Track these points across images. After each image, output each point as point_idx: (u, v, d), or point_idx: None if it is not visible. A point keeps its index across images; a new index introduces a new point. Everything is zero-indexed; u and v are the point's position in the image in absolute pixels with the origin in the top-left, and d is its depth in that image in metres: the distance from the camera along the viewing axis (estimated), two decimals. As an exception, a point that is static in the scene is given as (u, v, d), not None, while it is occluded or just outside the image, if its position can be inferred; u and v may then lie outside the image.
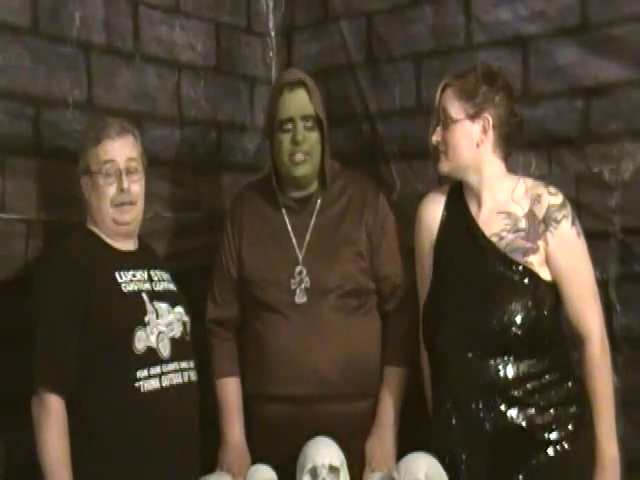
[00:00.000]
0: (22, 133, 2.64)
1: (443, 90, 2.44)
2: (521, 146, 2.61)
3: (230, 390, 2.70)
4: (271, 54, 3.49)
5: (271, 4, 3.48)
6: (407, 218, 2.82)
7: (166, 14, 3.09)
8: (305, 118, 2.62)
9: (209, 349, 2.73)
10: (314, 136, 2.63)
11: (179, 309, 2.53)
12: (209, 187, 3.24)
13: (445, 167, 2.45)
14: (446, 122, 2.41)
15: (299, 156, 2.62)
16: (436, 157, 2.47)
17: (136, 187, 2.49)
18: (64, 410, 2.32)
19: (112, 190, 2.45)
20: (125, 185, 2.45)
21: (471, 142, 2.40)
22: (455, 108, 2.40)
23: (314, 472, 2.37)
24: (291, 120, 2.61)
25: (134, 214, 2.50)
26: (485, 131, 2.40)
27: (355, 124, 3.26)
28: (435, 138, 2.44)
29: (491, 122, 2.39)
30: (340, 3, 3.31)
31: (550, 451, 2.31)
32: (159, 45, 3.06)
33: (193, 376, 2.50)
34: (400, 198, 3.08)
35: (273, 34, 3.49)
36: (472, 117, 2.39)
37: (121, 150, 2.47)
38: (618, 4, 2.73)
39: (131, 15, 2.97)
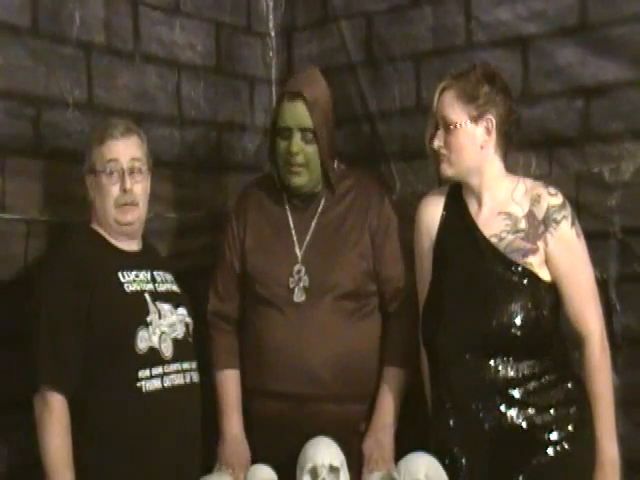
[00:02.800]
0: (22, 133, 2.64)
1: (441, 93, 2.42)
2: (521, 146, 2.61)
3: (228, 383, 2.69)
4: (271, 54, 3.49)
5: (271, 4, 3.48)
6: (407, 218, 2.83)
7: (166, 14, 3.09)
8: (303, 130, 2.61)
9: (209, 341, 2.72)
10: (312, 149, 2.61)
11: (182, 310, 2.53)
12: (209, 187, 3.24)
13: (448, 172, 2.43)
14: (448, 126, 2.39)
15: (295, 168, 2.62)
16: (437, 161, 2.45)
17: (139, 188, 2.48)
18: (67, 409, 2.31)
19: (115, 190, 2.45)
20: (128, 185, 2.45)
21: (475, 145, 2.39)
22: (457, 111, 2.38)
23: (314, 472, 2.37)
24: (289, 130, 2.61)
25: (136, 215, 2.50)
26: (489, 132, 2.39)
27: (355, 124, 3.26)
28: (437, 143, 2.41)
29: (494, 123, 2.38)
30: (340, 3, 3.31)
31: (550, 451, 2.31)
32: (159, 45, 3.07)
33: (195, 377, 2.51)
34: (400, 198, 3.07)
35: (273, 34, 3.49)
36: (475, 119, 2.38)
37: (125, 150, 2.47)
38: (618, 4, 2.73)
39: (131, 15, 2.97)
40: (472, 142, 2.39)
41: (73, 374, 2.33)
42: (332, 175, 2.67)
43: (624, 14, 2.72)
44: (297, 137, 2.60)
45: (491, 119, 2.38)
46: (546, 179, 2.53)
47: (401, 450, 2.48)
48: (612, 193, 2.74)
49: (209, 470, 2.53)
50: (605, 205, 2.73)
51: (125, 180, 2.45)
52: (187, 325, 2.53)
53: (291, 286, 2.62)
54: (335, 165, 2.73)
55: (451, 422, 2.37)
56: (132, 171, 2.46)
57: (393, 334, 2.67)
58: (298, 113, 2.60)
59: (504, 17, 2.93)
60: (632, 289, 2.70)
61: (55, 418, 2.30)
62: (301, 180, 2.64)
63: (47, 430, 2.29)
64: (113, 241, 2.50)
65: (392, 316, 2.68)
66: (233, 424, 2.66)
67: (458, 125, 2.38)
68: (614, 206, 2.73)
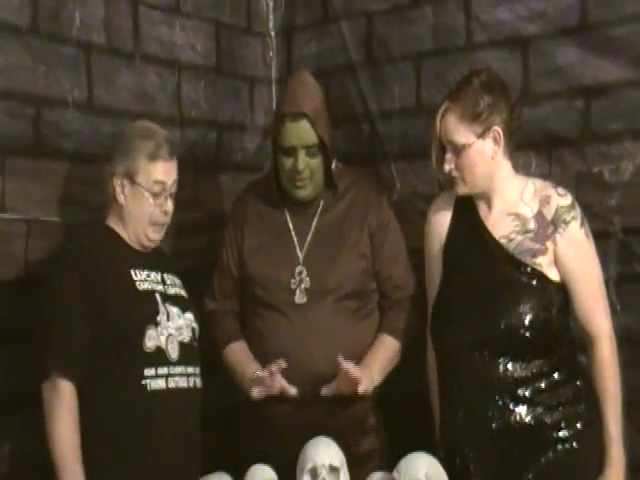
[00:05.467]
0: (22, 133, 2.64)
1: (443, 116, 2.38)
2: (521, 146, 2.60)
3: (238, 349, 2.69)
4: (271, 54, 3.49)
5: (271, 4, 3.48)
6: (407, 218, 2.83)
7: (166, 14, 3.09)
8: (307, 147, 2.61)
9: (211, 332, 2.72)
10: (316, 161, 2.63)
11: (189, 315, 2.54)
12: (209, 187, 3.24)
13: (464, 190, 2.42)
14: (457, 149, 2.37)
15: (300, 182, 2.63)
16: (450, 183, 2.43)
17: (172, 207, 2.52)
18: (76, 397, 2.32)
19: (155, 210, 2.48)
20: (169, 209, 2.49)
21: (486, 159, 2.38)
22: (463, 133, 2.36)
23: (314, 472, 2.37)
24: (293, 148, 2.61)
25: (164, 233, 2.55)
26: (497, 142, 2.37)
27: (355, 124, 3.25)
28: (448, 167, 2.39)
29: (501, 132, 2.36)
30: (340, 3, 3.31)
31: (559, 449, 2.31)
32: (159, 45, 3.06)
33: (198, 383, 2.51)
34: (400, 198, 3.08)
35: (273, 34, 3.49)
36: (482, 135, 2.36)
37: (171, 173, 2.50)
38: (618, 4, 2.73)
39: (131, 15, 2.97)
40: (483, 157, 2.38)
41: (84, 363, 2.33)
42: (335, 175, 2.69)
43: (624, 14, 2.72)
44: (302, 154, 2.61)
45: (497, 130, 2.36)
46: (546, 179, 2.53)
47: (401, 450, 2.48)
48: (612, 193, 2.74)
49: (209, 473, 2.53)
50: (605, 205, 2.73)
51: (167, 203, 2.49)
52: (193, 330, 2.54)
53: (292, 287, 2.63)
54: (334, 164, 2.73)
55: (460, 421, 2.38)
56: (172, 194, 2.51)
57: (390, 313, 2.69)
58: (302, 132, 2.60)
59: (504, 17, 2.93)
60: (632, 289, 2.70)
61: (65, 405, 2.30)
62: (306, 192, 2.66)
63: (56, 417, 2.29)
64: (128, 240, 2.51)
65: (391, 305, 2.70)
66: (252, 364, 2.62)
67: (467, 146, 2.36)
68: (614, 206, 2.73)
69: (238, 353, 2.69)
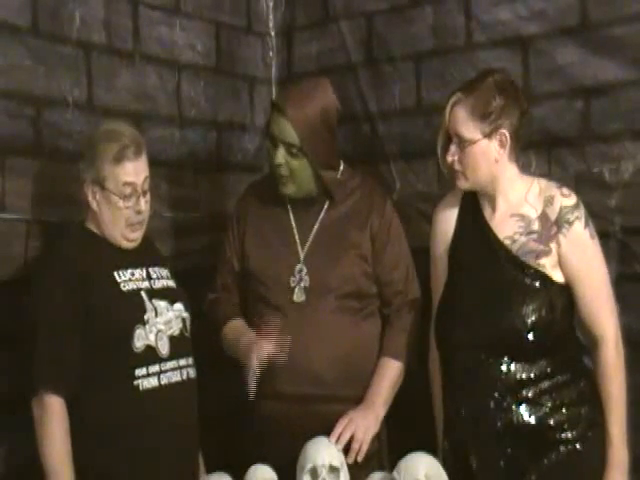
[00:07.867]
0: (22, 133, 2.64)
1: (453, 107, 2.36)
2: (521, 146, 2.60)
3: (237, 324, 2.68)
4: (271, 54, 3.49)
5: (271, 4, 3.48)
6: (407, 218, 2.83)
7: (166, 14, 3.10)
8: (287, 145, 2.58)
9: (211, 316, 2.72)
10: (297, 162, 2.58)
11: (178, 306, 2.53)
12: (209, 187, 3.24)
13: (465, 186, 2.42)
14: (462, 144, 2.36)
15: (280, 178, 2.61)
16: (452, 175, 2.43)
17: (147, 205, 2.49)
18: (65, 411, 2.32)
19: (129, 211, 2.45)
20: (142, 208, 2.46)
21: (490, 159, 2.36)
22: (470, 129, 2.34)
23: (314, 472, 2.37)
24: (275, 140, 2.60)
25: (143, 231, 2.52)
26: (503, 146, 2.36)
27: (355, 124, 3.26)
28: (450, 158, 2.38)
29: (508, 136, 2.35)
30: (340, 3, 3.31)
31: (562, 451, 2.31)
32: (159, 45, 3.07)
33: (192, 373, 2.51)
34: (400, 198, 3.08)
35: (273, 34, 3.49)
36: (489, 135, 2.34)
37: (140, 172, 2.46)
38: (618, 4, 2.73)
39: (131, 15, 2.97)
40: (486, 157, 2.36)
41: (71, 376, 2.33)
42: (330, 185, 2.65)
43: (624, 14, 2.72)
44: (281, 150, 2.58)
45: (505, 133, 2.35)
46: (547, 179, 2.53)
47: (401, 450, 2.48)
48: (612, 193, 2.74)
49: (210, 470, 2.53)
50: (605, 205, 2.73)
51: (140, 202, 2.45)
52: (184, 320, 2.53)
53: (292, 285, 2.63)
54: (341, 167, 2.72)
55: (463, 421, 2.37)
56: (144, 191, 2.47)
57: (390, 330, 2.68)
58: (282, 128, 2.58)
59: (504, 17, 2.93)
60: (632, 289, 2.70)
61: (55, 422, 2.30)
62: (287, 190, 2.63)
63: (47, 434, 2.30)
64: (109, 239, 2.49)
65: (391, 317, 2.69)
66: (249, 333, 2.60)
67: (472, 142, 2.35)
68: (614, 206, 2.73)
69: (235, 327, 2.68)
